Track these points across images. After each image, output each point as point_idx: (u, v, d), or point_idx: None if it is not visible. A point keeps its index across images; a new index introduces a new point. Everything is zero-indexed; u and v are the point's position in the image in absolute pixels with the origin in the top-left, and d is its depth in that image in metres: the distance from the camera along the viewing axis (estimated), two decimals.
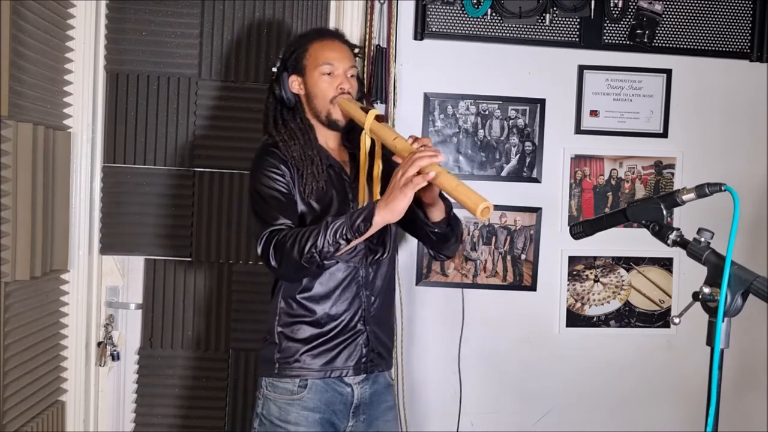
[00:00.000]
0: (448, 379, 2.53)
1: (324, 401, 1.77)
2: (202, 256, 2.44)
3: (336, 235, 1.59)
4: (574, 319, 2.59)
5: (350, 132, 1.85)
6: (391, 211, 1.57)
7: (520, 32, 2.52)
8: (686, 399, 2.59)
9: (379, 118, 1.72)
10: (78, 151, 2.34)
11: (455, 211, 1.82)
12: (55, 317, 2.28)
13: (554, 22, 2.53)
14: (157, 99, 2.41)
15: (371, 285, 1.82)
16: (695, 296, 1.30)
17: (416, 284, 2.53)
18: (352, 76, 1.84)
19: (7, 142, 1.88)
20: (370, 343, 1.82)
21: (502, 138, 2.55)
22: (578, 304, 2.59)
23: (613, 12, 2.54)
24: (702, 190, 1.36)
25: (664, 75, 2.59)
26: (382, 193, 1.68)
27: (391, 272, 1.90)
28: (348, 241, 1.60)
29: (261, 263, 2.43)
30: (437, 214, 1.76)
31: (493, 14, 2.50)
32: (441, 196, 1.73)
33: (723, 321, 1.26)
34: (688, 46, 2.59)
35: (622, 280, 2.61)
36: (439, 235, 1.80)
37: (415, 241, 2.30)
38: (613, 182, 2.59)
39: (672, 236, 1.38)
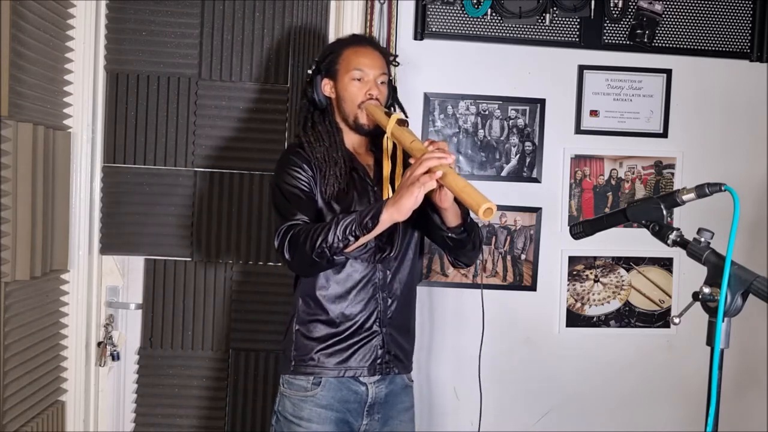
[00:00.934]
0: (448, 379, 2.53)
1: (338, 399, 1.80)
2: (202, 256, 2.44)
3: (345, 231, 1.63)
4: (574, 319, 2.59)
5: (378, 137, 1.88)
6: (398, 210, 1.59)
7: (520, 32, 2.52)
8: (686, 399, 2.59)
9: (401, 122, 1.76)
10: (78, 151, 2.34)
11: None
12: (55, 317, 2.28)
13: (554, 22, 2.53)
14: (157, 99, 2.41)
15: (389, 287, 1.85)
16: (695, 296, 1.30)
17: (416, 284, 2.53)
18: (382, 83, 1.88)
19: (7, 142, 1.89)
20: (386, 345, 1.84)
21: (502, 138, 2.55)
22: (578, 304, 2.59)
23: (613, 12, 2.54)
24: (702, 190, 1.36)
25: (664, 75, 2.59)
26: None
27: (412, 277, 1.92)
28: (357, 238, 1.63)
29: (261, 263, 2.46)
30: (453, 219, 1.77)
31: (493, 14, 2.50)
32: (458, 201, 1.74)
33: (723, 321, 1.26)
34: (688, 46, 2.59)
35: (622, 280, 2.61)
36: (455, 240, 1.81)
37: None
38: (613, 182, 2.60)
39: (672, 236, 1.38)
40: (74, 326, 2.35)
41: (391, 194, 1.81)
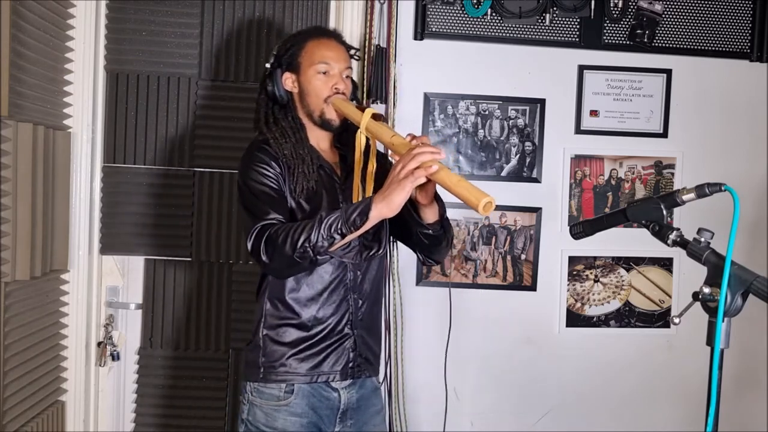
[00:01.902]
0: (448, 379, 2.53)
1: (311, 406, 1.74)
2: (202, 256, 2.44)
3: (330, 230, 1.56)
4: (574, 319, 2.59)
5: (342, 134, 1.83)
6: (388, 205, 1.54)
7: (520, 32, 2.52)
8: (686, 399, 2.59)
9: (376, 117, 1.70)
10: (78, 151, 2.34)
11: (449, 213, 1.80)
12: (55, 317, 2.28)
13: (554, 22, 2.53)
14: (157, 99, 2.41)
15: (359, 288, 1.78)
16: (695, 296, 1.30)
17: (416, 284, 2.53)
18: (347, 77, 1.81)
19: (7, 142, 1.88)
20: (358, 348, 1.78)
21: (502, 138, 2.55)
22: (578, 304, 2.59)
23: (613, 12, 2.54)
24: (702, 190, 1.36)
25: (664, 75, 2.59)
26: (375, 192, 1.64)
27: (380, 276, 1.87)
28: (343, 236, 1.57)
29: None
30: (431, 215, 1.71)
31: (493, 14, 2.50)
32: (435, 197, 1.71)
33: (723, 321, 1.26)
34: (688, 46, 2.59)
35: (622, 280, 2.61)
36: (431, 237, 1.75)
37: None
38: (613, 182, 2.59)
39: (672, 236, 1.38)
40: (74, 326, 2.35)
41: (363, 192, 1.75)
